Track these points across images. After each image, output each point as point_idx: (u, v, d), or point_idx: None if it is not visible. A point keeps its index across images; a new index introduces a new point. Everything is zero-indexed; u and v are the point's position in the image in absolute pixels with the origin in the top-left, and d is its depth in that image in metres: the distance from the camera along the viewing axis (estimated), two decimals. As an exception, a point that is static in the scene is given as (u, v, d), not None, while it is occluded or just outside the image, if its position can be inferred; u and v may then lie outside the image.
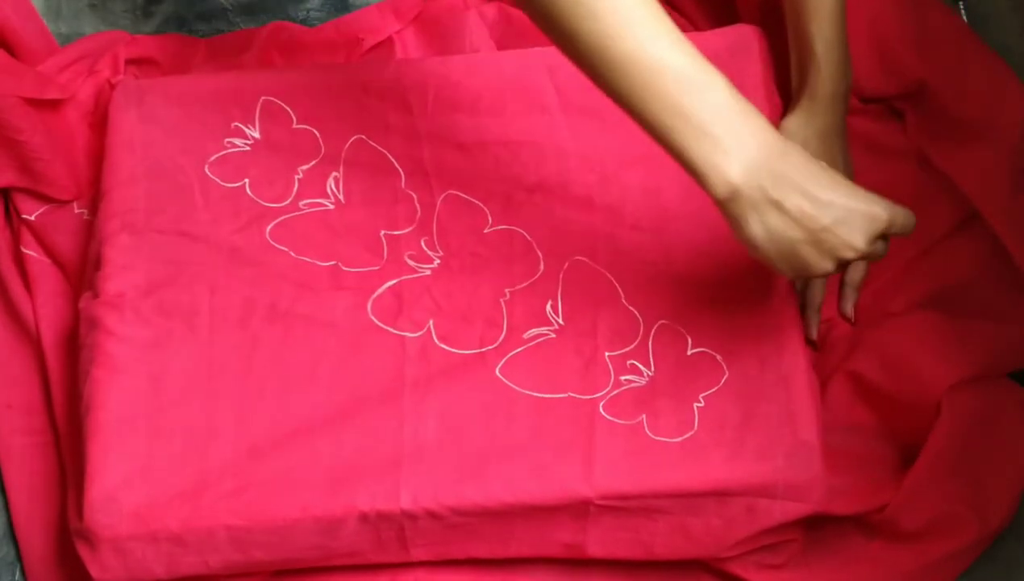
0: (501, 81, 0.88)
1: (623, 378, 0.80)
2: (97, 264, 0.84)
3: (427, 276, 0.84)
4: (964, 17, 0.94)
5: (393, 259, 0.84)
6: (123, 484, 0.78)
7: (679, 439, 0.78)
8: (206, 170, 0.87)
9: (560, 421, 0.79)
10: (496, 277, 0.83)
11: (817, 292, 0.85)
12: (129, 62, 0.96)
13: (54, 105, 0.90)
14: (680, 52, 0.60)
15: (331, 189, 0.86)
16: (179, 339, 0.82)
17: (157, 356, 0.81)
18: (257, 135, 0.88)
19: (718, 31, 0.89)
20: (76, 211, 0.93)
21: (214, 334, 0.82)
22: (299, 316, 0.82)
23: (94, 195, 0.91)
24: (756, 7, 0.93)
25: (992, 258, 0.85)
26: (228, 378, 0.81)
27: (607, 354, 0.80)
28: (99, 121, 0.93)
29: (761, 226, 0.63)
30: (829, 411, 0.84)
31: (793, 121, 0.83)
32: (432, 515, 0.77)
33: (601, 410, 0.79)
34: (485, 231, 0.85)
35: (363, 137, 0.87)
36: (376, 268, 0.84)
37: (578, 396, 0.79)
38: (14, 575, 0.87)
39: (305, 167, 0.87)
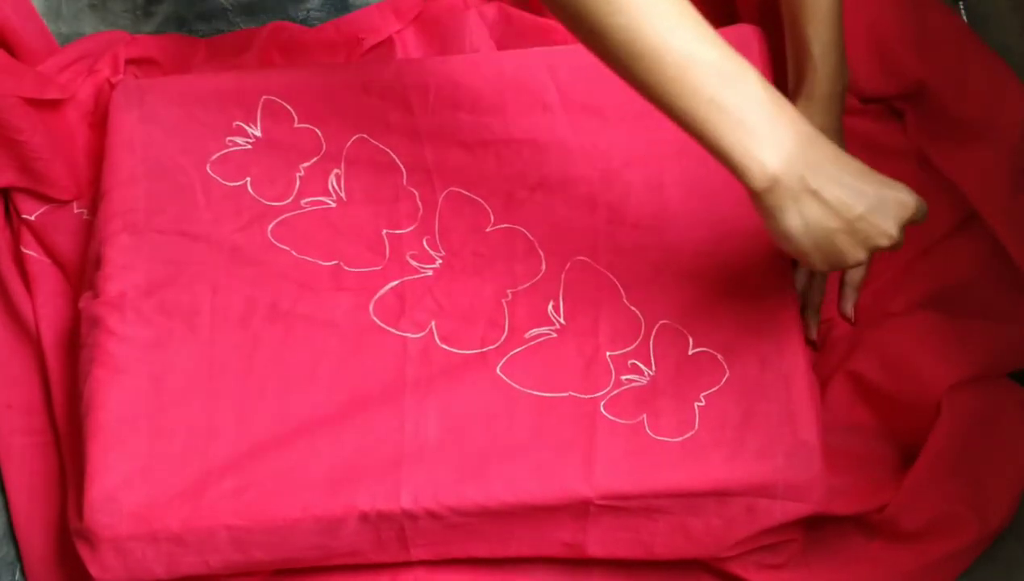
0: (502, 80, 0.88)
1: (624, 378, 0.80)
2: (97, 264, 0.84)
3: (429, 276, 0.84)
4: (964, 17, 0.94)
5: (395, 259, 0.84)
6: (123, 484, 0.78)
7: (680, 439, 0.78)
8: (207, 169, 0.87)
9: (561, 420, 0.79)
10: (498, 277, 0.83)
11: (816, 292, 0.85)
12: (129, 62, 0.96)
13: (54, 105, 0.90)
14: (711, 43, 0.60)
15: (333, 187, 0.86)
16: (180, 339, 0.82)
17: (158, 356, 0.81)
18: (259, 133, 0.88)
19: (718, 31, 0.89)
20: (76, 211, 0.93)
21: (215, 334, 0.82)
22: (300, 316, 0.82)
23: (94, 195, 0.91)
24: (755, 7, 0.93)
25: (992, 258, 0.85)
26: (229, 378, 0.81)
27: (608, 354, 0.80)
28: (99, 121, 0.93)
29: (799, 217, 0.63)
30: (829, 411, 0.84)
31: None
32: (432, 515, 0.77)
33: (602, 409, 0.79)
34: (487, 230, 0.85)
35: (364, 136, 0.87)
36: (378, 268, 0.84)
37: (579, 396, 0.79)
38: (14, 575, 0.87)
39: (306, 165, 0.87)
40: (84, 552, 0.78)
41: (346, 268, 0.84)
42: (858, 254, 0.66)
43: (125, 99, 0.89)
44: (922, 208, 0.66)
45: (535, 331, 0.82)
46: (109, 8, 1.00)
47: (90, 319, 0.83)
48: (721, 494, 0.77)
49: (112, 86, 0.92)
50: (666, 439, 0.78)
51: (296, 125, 0.88)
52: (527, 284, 0.83)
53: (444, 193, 0.86)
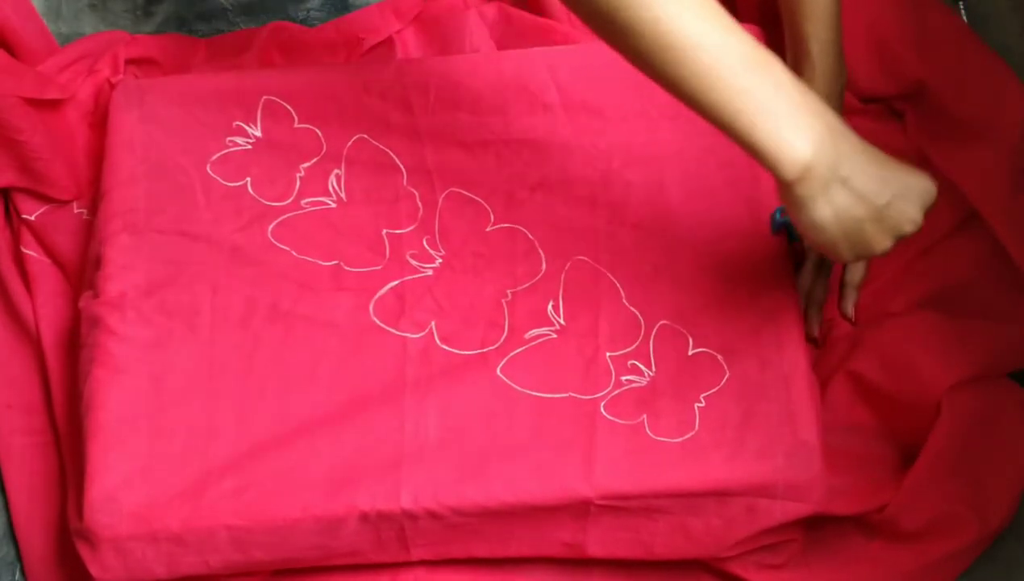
0: (503, 80, 0.88)
1: (624, 378, 0.80)
2: (97, 264, 0.84)
3: (429, 276, 0.84)
4: (964, 17, 0.94)
5: (395, 259, 0.84)
6: (123, 484, 0.78)
7: (680, 439, 0.78)
8: (208, 169, 0.87)
9: (561, 421, 0.79)
10: (498, 277, 0.83)
11: (820, 290, 0.85)
12: (129, 62, 0.96)
13: (54, 105, 0.90)
14: (739, 35, 0.60)
15: (333, 187, 0.86)
16: (180, 339, 0.82)
17: (158, 356, 0.81)
18: (259, 134, 0.88)
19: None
20: (76, 211, 0.93)
21: (215, 334, 0.82)
22: (300, 316, 0.82)
23: (94, 195, 0.91)
24: (755, 7, 0.93)
25: (992, 258, 0.85)
26: (229, 378, 0.81)
27: (608, 354, 0.80)
28: (99, 121, 0.93)
29: (829, 206, 0.63)
30: (829, 411, 0.84)
31: None
32: (432, 515, 0.77)
33: (602, 410, 0.79)
34: (487, 230, 0.85)
35: (365, 136, 0.87)
36: (378, 268, 0.84)
37: (579, 396, 0.79)
38: (14, 575, 0.87)
39: (307, 165, 0.87)
40: (84, 552, 0.78)
41: (346, 268, 0.84)
42: (885, 242, 0.66)
43: (125, 99, 0.89)
44: (936, 193, 0.67)
45: (535, 332, 0.82)
46: (109, 8, 1.00)
47: (90, 319, 0.83)
48: (721, 494, 0.77)
49: (112, 86, 0.92)
50: (666, 439, 0.78)
51: (296, 125, 0.88)
52: (527, 284, 0.83)
53: (444, 193, 0.86)
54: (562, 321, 0.82)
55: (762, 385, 0.79)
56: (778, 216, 0.81)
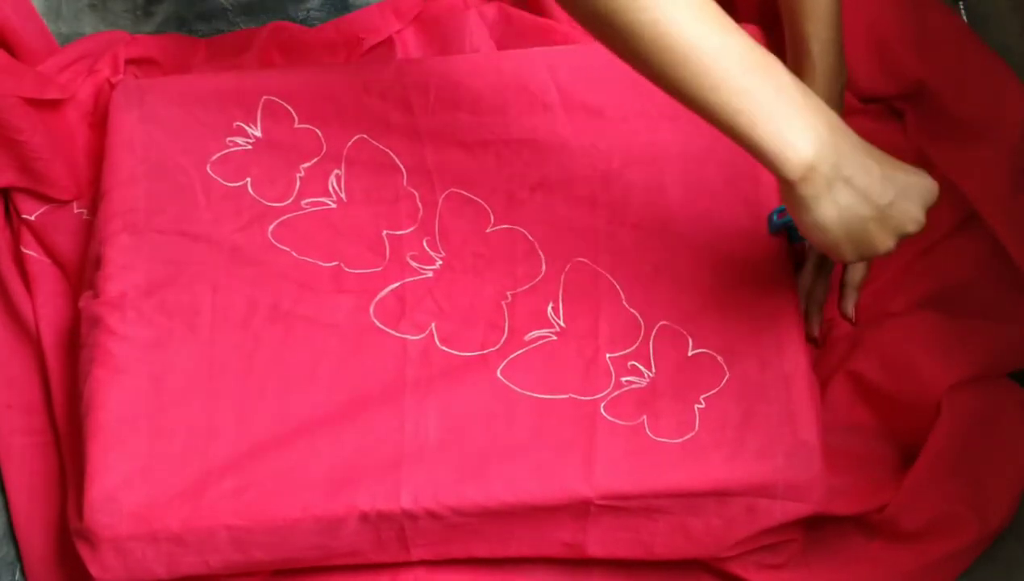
0: (503, 80, 0.88)
1: (624, 379, 0.80)
2: (97, 264, 0.84)
3: (429, 278, 0.84)
4: (964, 17, 0.94)
5: (395, 260, 0.84)
6: (123, 484, 0.78)
7: (680, 440, 0.78)
8: (208, 169, 0.87)
9: (561, 421, 0.79)
10: (498, 279, 0.83)
11: (821, 290, 0.85)
12: (129, 62, 0.96)
13: (54, 105, 0.90)
14: (739, 35, 0.60)
15: (333, 187, 0.86)
16: (180, 339, 0.82)
17: (158, 356, 0.81)
18: (259, 134, 0.88)
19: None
20: (76, 211, 0.93)
21: (215, 334, 0.82)
22: (301, 317, 0.82)
23: (94, 195, 0.91)
24: (755, 7, 0.93)
25: (992, 258, 0.85)
26: (229, 378, 0.81)
27: (608, 355, 0.80)
28: (99, 121, 0.93)
29: (833, 205, 0.63)
30: (829, 411, 0.84)
31: None
32: (432, 515, 0.77)
33: (602, 411, 0.79)
34: (487, 231, 0.85)
35: (365, 136, 0.87)
36: (378, 269, 0.84)
37: (579, 397, 0.79)
38: (14, 575, 0.87)
39: (307, 165, 0.87)
40: (84, 552, 0.78)
41: (346, 269, 0.84)
42: (888, 242, 0.66)
43: (125, 99, 0.89)
44: (937, 191, 0.67)
45: (535, 333, 0.82)
46: (109, 8, 1.00)
47: (90, 319, 0.83)
48: (721, 494, 0.77)
49: (112, 86, 0.92)
50: (666, 440, 0.78)
51: (296, 125, 0.88)
52: (527, 286, 0.83)
53: (444, 194, 0.86)
54: (562, 323, 0.82)
55: (762, 385, 0.79)
56: (775, 217, 0.81)
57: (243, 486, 0.78)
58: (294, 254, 0.84)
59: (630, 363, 0.80)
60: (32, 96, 0.87)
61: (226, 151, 0.87)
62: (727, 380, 0.79)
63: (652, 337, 0.81)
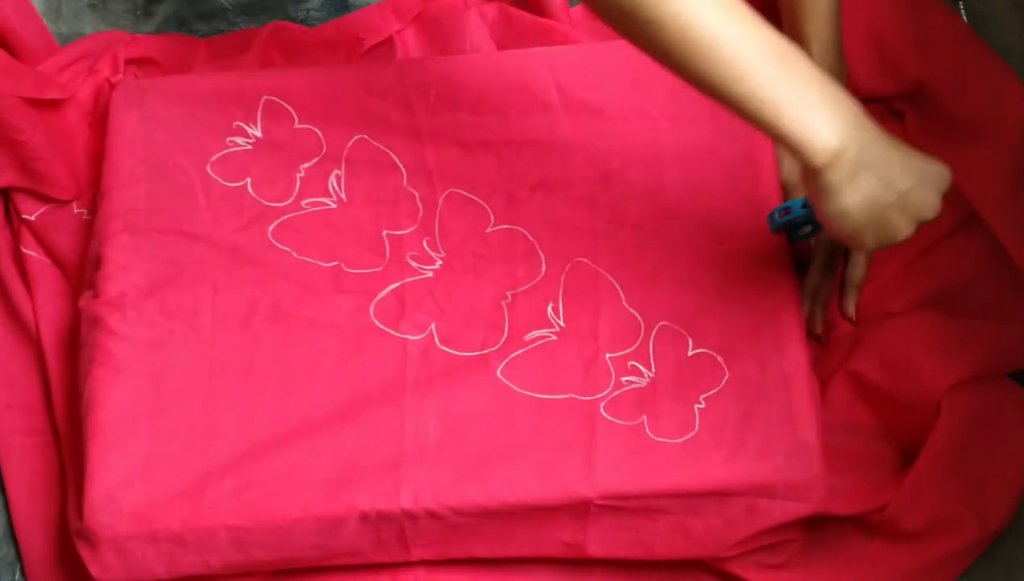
0: (503, 80, 0.88)
1: (624, 379, 0.80)
2: (97, 264, 0.84)
3: (429, 278, 0.84)
4: (964, 17, 0.94)
5: (395, 260, 0.84)
6: (123, 484, 0.78)
7: (680, 440, 0.78)
8: (208, 169, 0.87)
9: (561, 421, 0.79)
10: (498, 279, 0.83)
11: (826, 288, 0.86)
12: (129, 62, 0.96)
13: (54, 105, 0.90)
14: (760, 26, 0.61)
15: (333, 187, 0.86)
16: (180, 339, 0.82)
17: (158, 356, 0.81)
18: (259, 134, 0.88)
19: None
20: (76, 211, 0.93)
21: (215, 334, 0.82)
22: (301, 317, 0.82)
23: (94, 195, 0.91)
24: (754, 7, 0.93)
25: (992, 258, 0.85)
26: (229, 378, 0.81)
27: (608, 355, 0.80)
28: (99, 121, 0.93)
29: (857, 192, 0.64)
30: (829, 411, 0.84)
31: None
32: (432, 515, 0.77)
33: (602, 411, 0.79)
34: (487, 231, 0.85)
35: (365, 136, 0.87)
36: (378, 269, 0.84)
37: (579, 397, 0.79)
38: (14, 575, 0.87)
39: (307, 165, 0.87)
40: (84, 552, 0.78)
41: (346, 270, 0.84)
42: (908, 228, 0.67)
43: (125, 99, 0.89)
44: (950, 178, 0.67)
45: (535, 333, 0.82)
46: (109, 8, 1.00)
47: (90, 319, 0.83)
48: (721, 494, 0.77)
49: (112, 86, 0.92)
50: (666, 440, 0.78)
51: (296, 125, 0.88)
52: (527, 286, 0.83)
53: (444, 194, 0.86)
54: (562, 323, 0.82)
55: (762, 385, 0.79)
56: (777, 216, 0.81)
57: (243, 486, 0.78)
58: (294, 254, 0.84)
59: (630, 363, 0.80)
60: (32, 96, 0.87)
61: (226, 151, 0.87)
62: (727, 380, 0.79)
63: (652, 337, 0.81)
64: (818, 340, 0.87)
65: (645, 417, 0.79)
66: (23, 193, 0.91)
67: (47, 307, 0.90)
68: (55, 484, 0.88)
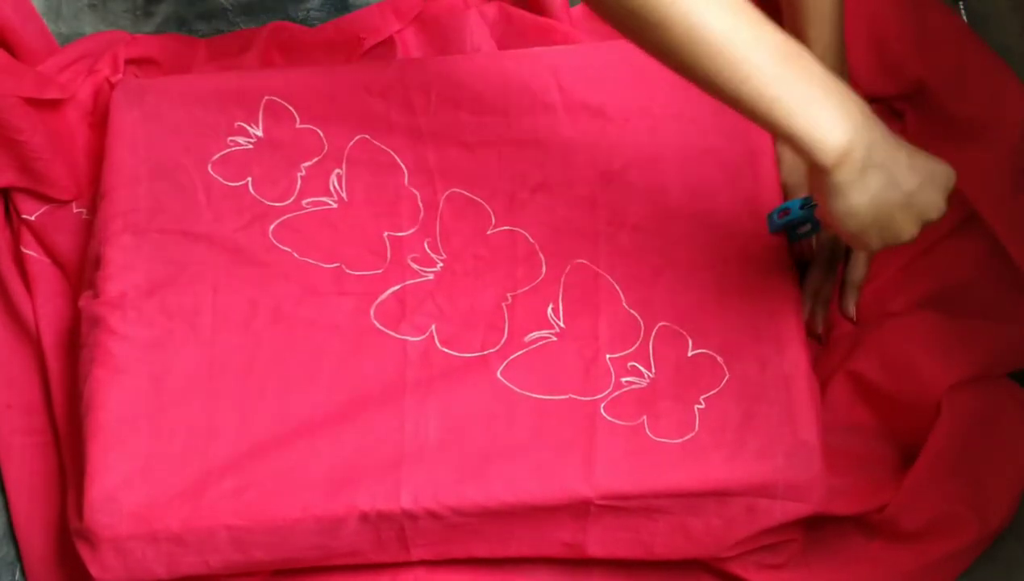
0: (504, 80, 0.88)
1: (624, 380, 0.80)
2: (97, 264, 0.84)
3: (430, 281, 0.84)
4: (964, 17, 0.94)
5: (396, 262, 0.84)
6: (123, 484, 0.78)
7: (680, 440, 0.78)
8: (209, 169, 0.87)
9: (561, 422, 0.79)
10: (498, 281, 0.83)
11: (828, 288, 0.86)
12: (129, 62, 0.96)
13: (54, 105, 0.90)
14: (768, 27, 0.61)
15: (334, 187, 0.86)
16: (181, 339, 0.82)
17: (158, 356, 0.81)
18: (260, 133, 0.88)
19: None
20: (76, 211, 0.93)
21: (216, 334, 0.82)
22: (301, 318, 0.82)
23: (94, 195, 0.91)
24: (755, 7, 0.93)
25: (992, 258, 0.85)
26: (229, 378, 0.81)
27: (608, 356, 0.80)
28: (99, 121, 0.93)
29: (865, 191, 0.64)
30: (829, 411, 0.84)
31: None
32: (433, 515, 0.77)
33: (602, 411, 0.79)
34: (488, 232, 0.85)
35: (366, 136, 0.87)
36: (379, 271, 0.84)
37: (579, 398, 0.79)
38: (14, 575, 0.87)
39: (308, 165, 0.87)
40: (84, 552, 0.78)
41: (347, 271, 0.84)
42: (913, 229, 0.67)
43: (125, 99, 0.89)
44: (955, 178, 0.68)
45: (535, 334, 0.82)
46: (109, 8, 1.00)
47: (90, 319, 0.83)
48: (721, 494, 0.77)
49: (112, 86, 0.92)
50: (666, 440, 0.78)
51: (298, 125, 0.88)
52: (527, 287, 0.83)
53: (445, 194, 0.86)
54: (562, 324, 0.82)
55: (762, 386, 0.79)
56: (776, 217, 0.81)
57: (243, 486, 0.78)
58: (295, 255, 0.84)
59: (630, 364, 0.80)
60: (32, 96, 0.87)
61: (227, 151, 0.87)
62: (727, 380, 0.79)
63: (652, 338, 0.81)
64: (819, 340, 0.87)
65: (645, 417, 0.79)
66: (23, 193, 0.92)
67: (47, 307, 0.90)
68: (55, 484, 0.88)
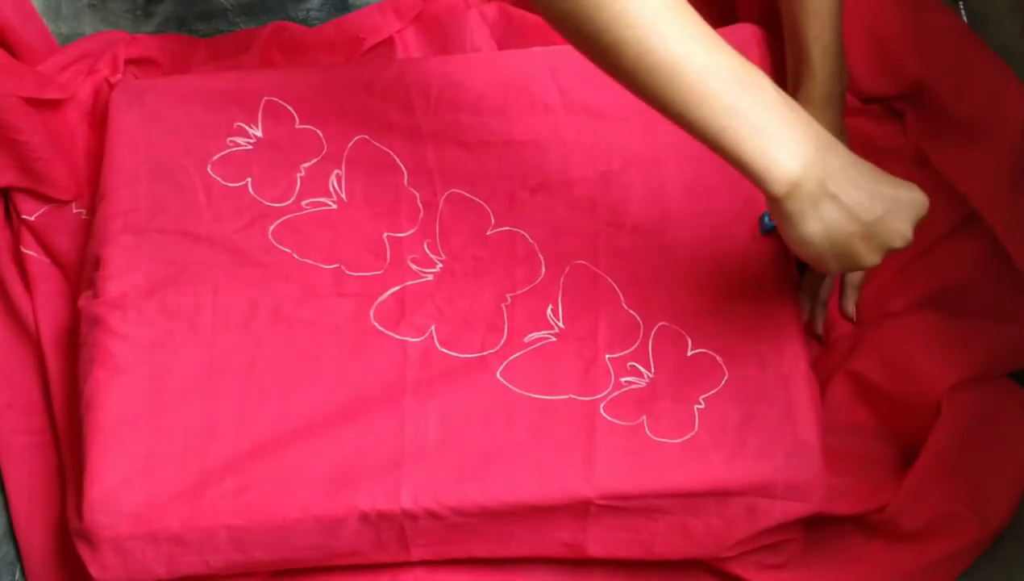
0: (504, 80, 0.88)
1: (623, 380, 0.80)
2: (96, 264, 0.84)
3: (429, 282, 0.84)
4: (964, 17, 0.94)
5: (396, 263, 0.84)
6: (123, 484, 0.78)
7: (679, 440, 0.78)
8: (208, 169, 0.87)
9: (561, 422, 0.79)
10: (498, 282, 0.83)
11: (827, 289, 0.86)
12: (129, 62, 0.96)
13: (54, 105, 0.90)
14: (725, 51, 0.60)
15: (333, 187, 0.86)
16: (181, 339, 0.82)
17: (158, 356, 0.81)
18: (260, 134, 0.88)
19: (718, 31, 0.89)
20: (75, 211, 0.93)
21: (216, 334, 0.82)
22: (301, 319, 0.82)
23: (93, 195, 0.91)
24: (755, 7, 0.93)
25: (992, 258, 0.85)
26: (229, 378, 0.81)
27: (607, 356, 0.80)
28: (99, 121, 0.93)
29: (819, 221, 0.63)
30: (829, 411, 0.84)
31: None
32: (432, 515, 0.77)
33: (602, 411, 0.79)
34: (488, 233, 0.85)
35: (366, 137, 0.87)
36: (379, 272, 0.84)
37: (579, 398, 0.79)
38: (14, 575, 0.87)
39: (307, 165, 0.87)
40: (84, 552, 0.78)
41: (347, 272, 0.84)
42: (874, 257, 0.66)
43: (125, 99, 0.89)
44: (928, 205, 0.66)
45: (534, 335, 0.82)
46: (109, 8, 1.00)
47: (90, 319, 0.83)
48: (721, 494, 0.77)
49: (112, 86, 0.92)
50: (666, 440, 0.78)
51: (297, 126, 0.88)
52: (526, 288, 0.83)
53: (445, 194, 0.86)
54: (561, 324, 0.82)
55: (762, 385, 0.79)
56: (766, 219, 0.81)
57: (243, 486, 0.78)
58: (295, 256, 0.84)
59: (629, 364, 0.80)
60: (32, 96, 0.87)
61: (227, 151, 0.87)
62: (726, 380, 0.79)
63: (651, 338, 0.81)
64: (819, 340, 0.87)
65: (645, 417, 0.79)
66: (23, 193, 0.92)
67: (47, 307, 0.90)
68: (55, 484, 0.88)
